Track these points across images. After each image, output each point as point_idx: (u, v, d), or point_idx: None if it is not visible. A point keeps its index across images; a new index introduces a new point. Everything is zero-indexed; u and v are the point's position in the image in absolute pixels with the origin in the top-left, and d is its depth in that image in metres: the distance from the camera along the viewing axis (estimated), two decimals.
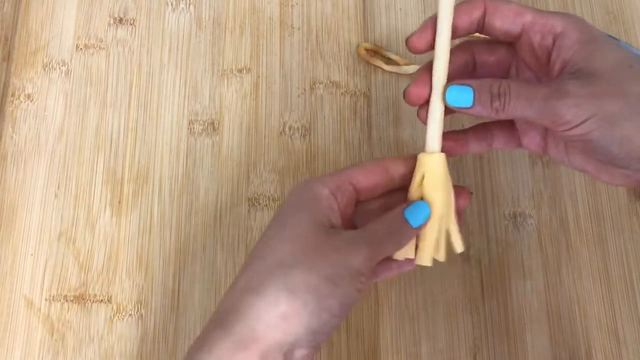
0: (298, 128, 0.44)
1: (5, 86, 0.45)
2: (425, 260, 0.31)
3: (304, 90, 0.45)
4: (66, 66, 0.45)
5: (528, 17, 0.29)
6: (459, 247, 0.32)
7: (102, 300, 0.40)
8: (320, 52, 0.45)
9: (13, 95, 0.45)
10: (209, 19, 0.47)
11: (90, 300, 0.40)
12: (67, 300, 0.40)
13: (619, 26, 0.46)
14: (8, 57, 0.46)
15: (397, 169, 0.32)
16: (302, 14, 0.47)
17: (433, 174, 0.31)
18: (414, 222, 0.30)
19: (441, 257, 0.32)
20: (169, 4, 0.47)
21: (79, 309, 0.40)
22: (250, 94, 0.45)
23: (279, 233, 0.30)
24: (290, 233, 0.29)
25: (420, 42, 0.30)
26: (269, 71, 0.45)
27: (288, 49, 0.46)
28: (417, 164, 0.31)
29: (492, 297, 0.40)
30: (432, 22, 0.30)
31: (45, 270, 0.41)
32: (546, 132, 0.32)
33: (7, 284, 0.41)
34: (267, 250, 0.29)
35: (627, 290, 0.40)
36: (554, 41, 0.29)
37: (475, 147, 0.34)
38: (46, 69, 0.45)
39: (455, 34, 0.30)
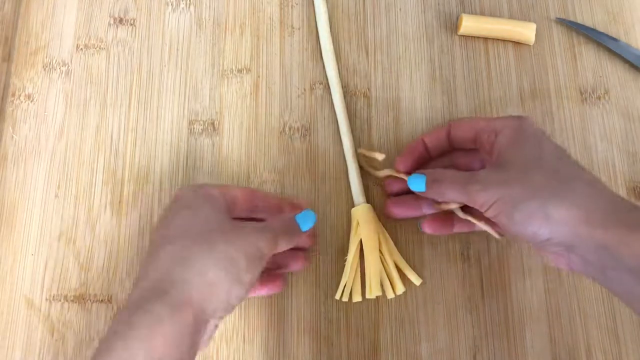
0: (298, 128, 0.44)
1: (6, 86, 0.45)
2: (369, 293, 0.38)
3: (304, 90, 0.45)
4: (66, 66, 0.45)
5: (480, 124, 0.36)
6: (397, 289, 0.39)
7: (102, 300, 0.40)
8: (320, 52, 0.45)
9: (13, 95, 0.45)
10: (209, 19, 0.47)
11: (90, 300, 0.40)
12: (67, 300, 0.40)
13: (618, 26, 0.46)
14: (8, 57, 0.46)
15: (263, 202, 0.38)
16: (302, 14, 0.47)
17: (363, 222, 0.39)
18: (303, 227, 0.36)
19: (388, 292, 0.38)
20: (169, 4, 0.47)
21: (79, 309, 0.40)
22: (250, 94, 0.45)
23: (194, 215, 0.33)
24: (205, 216, 0.33)
25: (405, 166, 0.39)
26: (269, 71, 0.45)
27: (288, 49, 0.46)
28: (352, 216, 0.40)
29: (492, 297, 0.40)
30: (410, 150, 0.39)
31: (45, 270, 0.41)
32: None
33: (8, 284, 0.41)
34: (187, 228, 0.32)
35: None
36: (495, 137, 0.35)
37: (459, 228, 0.39)
38: (46, 69, 0.45)
39: (431, 151, 0.39)
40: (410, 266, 0.40)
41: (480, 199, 0.33)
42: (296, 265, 0.39)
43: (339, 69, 0.45)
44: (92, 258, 0.41)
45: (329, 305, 0.40)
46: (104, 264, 0.41)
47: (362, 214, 0.40)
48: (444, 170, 0.36)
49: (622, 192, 0.42)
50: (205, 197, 0.35)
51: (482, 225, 0.36)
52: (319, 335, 0.39)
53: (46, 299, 0.40)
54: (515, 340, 0.39)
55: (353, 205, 0.41)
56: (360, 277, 0.39)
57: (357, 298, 0.39)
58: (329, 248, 0.41)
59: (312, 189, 0.42)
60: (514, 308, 0.40)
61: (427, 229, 0.39)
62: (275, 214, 0.38)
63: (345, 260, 0.39)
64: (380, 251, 0.39)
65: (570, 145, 0.43)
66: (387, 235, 0.40)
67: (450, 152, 0.40)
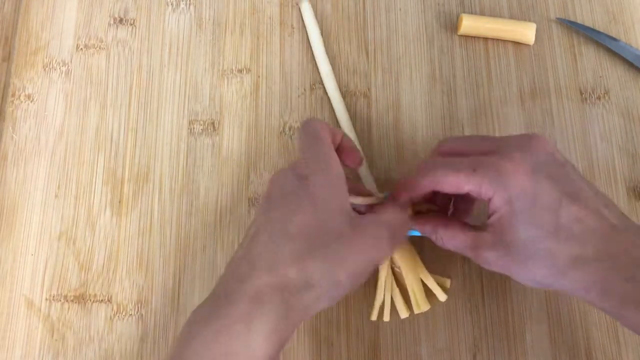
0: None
1: (6, 86, 0.45)
2: (417, 309, 0.38)
3: (304, 90, 0.45)
4: (66, 66, 0.45)
5: (466, 188, 0.33)
6: (441, 296, 0.38)
7: (102, 300, 0.40)
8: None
9: (13, 95, 0.45)
10: (209, 19, 0.47)
11: (90, 300, 0.40)
12: (67, 300, 0.40)
13: (618, 26, 0.46)
14: (8, 57, 0.46)
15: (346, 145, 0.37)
16: (302, 14, 0.47)
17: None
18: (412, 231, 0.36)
19: (427, 307, 0.38)
20: (169, 4, 0.47)
21: (79, 308, 0.40)
22: (250, 94, 0.45)
23: (314, 216, 0.32)
24: (324, 218, 0.32)
25: (404, 197, 0.36)
26: (269, 71, 0.45)
27: (288, 49, 0.46)
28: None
29: (492, 297, 0.40)
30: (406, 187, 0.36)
31: (45, 270, 0.41)
32: None
33: (7, 284, 0.41)
34: (305, 231, 0.31)
35: None
36: (488, 201, 0.33)
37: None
38: (46, 69, 0.45)
39: (414, 204, 0.37)
40: None
41: (479, 262, 0.34)
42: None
43: (339, 69, 0.45)
44: (92, 258, 0.41)
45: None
46: (104, 264, 0.41)
47: None
48: (446, 229, 0.35)
49: (622, 192, 0.42)
50: (332, 187, 0.33)
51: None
52: (319, 335, 0.39)
53: (46, 299, 0.40)
54: (515, 340, 0.39)
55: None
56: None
57: (403, 314, 0.38)
58: None
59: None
60: (514, 308, 0.40)
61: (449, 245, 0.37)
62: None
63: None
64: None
65: (570, 145, 0.43)
66: (416, 253, 0.39)
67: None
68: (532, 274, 0.32)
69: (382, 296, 0.39)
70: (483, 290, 0.40)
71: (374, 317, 0.39)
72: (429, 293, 0.39)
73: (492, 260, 0.33)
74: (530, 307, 0.40)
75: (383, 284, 0.39)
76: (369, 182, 0.41)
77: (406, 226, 0.36)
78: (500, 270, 0.33)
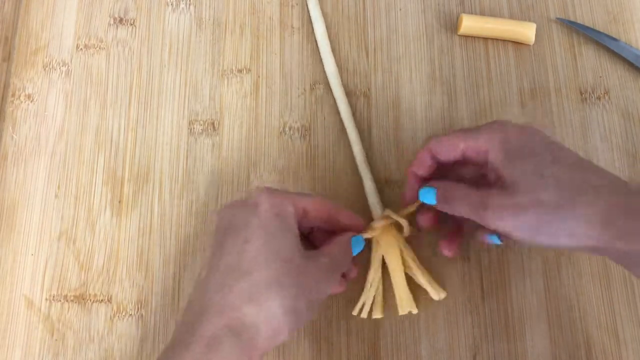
0: (298, 128, 0.44)
1: (6, 86, 0.45)
2: (401, 310, 0.38)
3: (304, 90, 0.45)
4: (66, 66, 0.45)
5: (461, 145, 0.34)
6: (434, 295, 0.39)
7: (102, 300, 0.40)
8: (320, 52, 0.45)
9: (13, 95, 0.45)
10: (209, 19, 0.47)
11: (90, 300, 0.40)
12: (67, 300, 0.40)
13: (618, 26, 0.46)
14: (8, 57, 0.46)
15: (335, 217, 0.37)
16: (302, 14, 0.47)
17: (384, 239, 0.39)
18: (354, 251, 0.36)
19: (408, 310, 0.38)
20: (169, 4, 0.47)
21: (79, 308, 0.40)
22: (250, 94, 0.45)
23: (268, 244, 0.32)
24: (279, 249, 0.32)
25: (411, 196, 0.37)
26: (269, 71, 0.45)
27: (288, 49, 0.46)
28: (370, 229, 0.38)
29: (492, 297, 0.40)
30: (410, 182, 0.38)
31: (45, 270, 0.41)
32: None
33: (8, 284, 0.41)
34: (261, 261, 0.32)
35: (627, 290, 0.40)
36: (486, 157, 0.34)
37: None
38: (46, 69, 0.45)
39: (429, 176, 0.37)
40: None
41: (498, 227, 0.32)
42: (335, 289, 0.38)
43: (339, 69, 0.45)
44: (92, 258, 0.41)
45: (328, 305, 0.40)
46: (104, 264, 0.41)
47: (382, 231, 0.39)
48: (455, 187, 0.35)
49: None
50: (282, 218, 0.33)
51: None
52: (319, 336, 0.39)
53: (46, 299, 0.40)
54: (515, 340, 0.39)
55: (355, 206, 0.41)
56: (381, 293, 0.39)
57: (378, 314, 0.39)
58: None
59: (312, 190, 0.42)
60: (514, 308, 0.40)
61: (447, 252, 0.38)
62: (330, 226, 0.37)
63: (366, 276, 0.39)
64: (404, 264, 0.39)
65: (570, 145, 0.43)
66: (409, 247, 0.39)
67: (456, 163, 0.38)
68: (541, 207, 0.31)
69: (367, 294, 0.39)
70: (483, 290, 0.40)
71: (355, 312, 0.39)
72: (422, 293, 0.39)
73: (504, 212, 0.32)
74: (530, 307, 0.40)
75: (370, 281, 0.39)
76: (372, 199, 0.41)
77: (349, 258, 0.36)
78: (510, 223, 0.32)
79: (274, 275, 0.31)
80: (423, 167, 0.37)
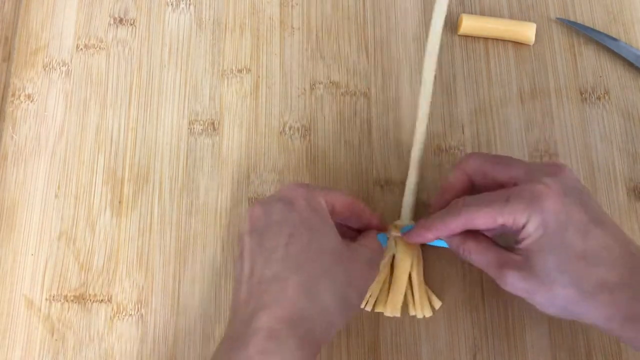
0: (298, 128, 0.44)
1: (6, 86, 0.45)
2: (390, 311, 0.39)
3: (304, 90, 0.45)
4: (66, 66, 0.45)
5: (499, 220, 0.32)
6: (418, 313, 0.39)
7: (102, 300, 0.40)
8: (320, 52, 0.46)
9: (13, 95, 0.45)
10: (209, 19, 0.47)
11: (90, 300, 0.40)
12: (67, 300, 0.40)
13: (618, 26, 0.46)
14: (8, 57, 0.46)
15: (360, 216, 0.37)
16: (302, 14, 0.47)
17: (402, 243, 0.39)
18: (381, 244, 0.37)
19: (393, 314, 0.38)
20: (169, 4, 0.47)
21: (79, 308, 0.40)
22: (250, 94, 0.45)
23: (314, 239, 0.32)
24: (324, 240, 0.33)
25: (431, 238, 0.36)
26: (269, 71, 0.45)
27: (288, 49, 0.46)
28: (390, 230, 0.39)
29: (492, 297, 0.40)
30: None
31: (45, 270, 0.41)
32: None
33: (7, 284, 0.41)
34: (310, 256, 0.32)
35: None
36: (522, 227, 0.32)
37: None
38: (46, 69, 0.45)
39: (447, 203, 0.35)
40: None
41: (504, 284, 0.33)
42: None
43: (339, 69, 0.45)
44: (92, 258, 0.41)
45: None
46: (104, 264, 0.41)
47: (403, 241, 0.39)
48: (473, 242, 0.35)
49: (622, 192, 0.42)
50: (319, 212, 0.34)
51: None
52: None
53: (46, 299, 0.40)
54: (515, 341, 0.39)
55: None
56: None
57: (381, 309, 0.39)
58: None
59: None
60: (514, 308, 0.40)
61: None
62: (353, 222, 0.38)
63: None
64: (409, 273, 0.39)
65: (570, 145, 0.43)
66: (422, 260, 0.39)
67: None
68: (556, 298, 0.31)
69: (374, 287, 0.39)
70: (483, 290, 0.40)
71: (368, 307, 0.39)
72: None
73: (516, 281, 0.32)
74: (530, 307, 0.40)
75: (383, 278, 0.39)
76: (408, 201, 0.40)
77: (382, 252, 0.37)
78: (521, 293, 0.32)
79: (325, 266, 0.32)
80: (452, 234, 0.35)
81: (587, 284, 0.31)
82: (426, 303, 0.39)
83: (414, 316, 0.39)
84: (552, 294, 0.31)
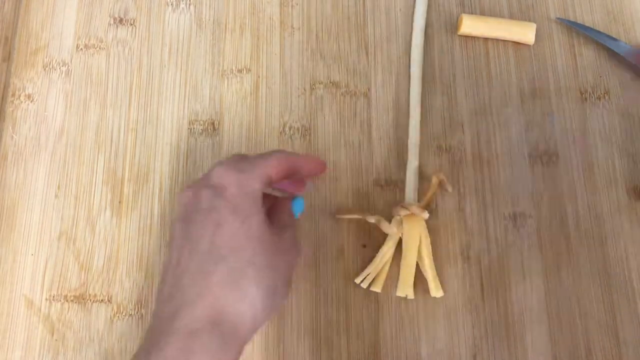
0: (298, 128, 0.44)
1: (6, 86, 0.45)
2: (400, 291, 0.39)
3: (304, 90, 0.45)
4: (66, 66, 0.45)
5: None
6: (433, 291, 0.39)
7: (102, 300, 0.40)
8: (320, 52, 0.46)
9: (13, 95, 0.45)
10: (209, 19, 0.47)
11: (90, 300, 0.40)
12: (67, 300, 0.40)
13: (618, 26, 0.46)
14: (8, 57, 0.46)
15: (296, 167, 0.36)
16: (302, 14, 0.47)
17: (409, 222, 0.39)
18: (295, 213, 0.37)
19: (406, 293, 0.39)
20: (169, 4, 0.47)
21: (79, 308, 0.40)
22: (250, 94, 0.45)
23: (241, 227, 0.31)
24: (251, 227, 0.31)
25: None
26: (269, 71, 0.45)
27: (288, 49, 0.46)
28: (397, 211, 0.40)
29: (492, 297, 0.40)
30: None
31: (45, 270, 0.41)
32: None
33: (7, 284, 0.41)
34: (236, 244, 0.31)
35: (627, 290, 0.40)
36: None
37: None
38: (46, 69, 0.45)
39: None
40: None
41: None
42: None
43: (339, 69, 0.45)
44: (92, 258, 0.41)
45: (328, 305, 0.40)
46: (104, 264, 0.41)
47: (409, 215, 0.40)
48: None
49: (622, 192, 0.42)
50: (250, 198, 0.32)
51: None
52: (319, 336, 0.39)
53: (46, 299, 0.40)
54: (515, 341, 0.39)
55: (356, 205, 0.41)
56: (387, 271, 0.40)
57: (376, 288, 0.39)
58: (329, 248, 0.41)
59: (312, 189, 0.42)
60: (514, 308, 0.40)
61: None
62: (293, 176, 0.36)
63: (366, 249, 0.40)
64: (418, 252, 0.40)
65: (570, 145, 0.43)
66: (429, 238, 0.40)
67: None
68: None
69: (374, 266, 0.39)
70: (483, 290, 0.40)
71: (357, 280, 0.40)
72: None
73: None
74: (530, 307, 0.40)
75: (381, 255, 0.39)
76: (411, 183, 0.42)
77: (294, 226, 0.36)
78: None
79: (250, 257, 0.30)
80: None
81: None
82: (438, 282, 0.39)
83: (414, 316, 0.39)
84: None
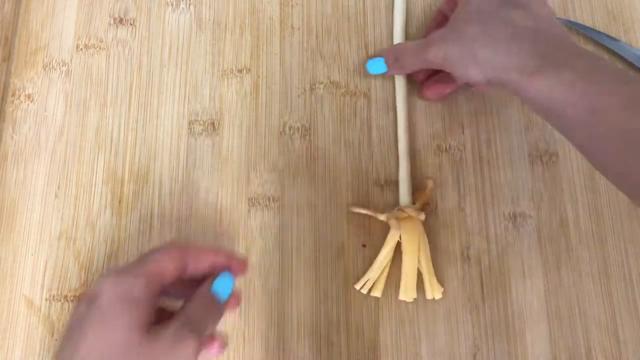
0: (298, 128, 0.44)
1: (6, 86, 0.45)
2: (404, 295, 0.39)
3: (304, 90, 0.45)
4: (66, 66, 0.45)
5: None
6: (428, 293, 0.39)
7: None
8: (320, 52, 0.46)
9: (13, 95, 0.45)
10: (209, 19, 0.47)
11: None
12: (67, 300, 0.40)
13: (618, 26, 0.46)
14: (8, 57, 0.46)
15: (194, 262, 0.33)
16: (302, 14, 0.47)
17: (408, 224, 0.39)
18: (222, 296, 0.32)
19: (409, 297, 0.39)
20: (169, 4, 0.47)
21: None
22: (250, 94, 0.45)
23: (104, 343, 0.29)
24: (116, 343, 0.29)
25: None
26: (269, 71, 0.45)
27: (288, 49, 0.46)
28: (393, 214, 0.40)
29: (492, 297, 0.40)
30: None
31: (45, 270, 0.41)
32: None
33: (8, 284, 0.41)
34: (100, 354, 0.29)
35: (627, 290, 0.40)
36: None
37: (443, 89, 0.43)
38: (46, 69, 0.45)
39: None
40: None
41: (430, 59, 0.38)
42: (213, 350, 0.34)
43: (339, 69, 0.45)
44: (92, 258, 0.41)
45: (329, 305, 0.40)
46: (104, 264, 0.41)
47: (409, 222, 0.40)
48: (402, 44, 0.43)
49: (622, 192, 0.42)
50: (128, 302, 0.30)
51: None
52: (319, 336, 0.39)
53: (46, 299, 0.40)
54: (515, 341, 0.39)
55: (354, 205, 0.41)
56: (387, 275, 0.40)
57: (376, 293, 0.39)
58: (328, 248, 0.41)
59: (312, 189, 0.42)
60: (514, 308, 0.40)
61: (429, 93, 0.43)
62: (195, 274, 0.33)
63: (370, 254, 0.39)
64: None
65: (570, 145, 0.43)
66: (427, 240, 0.40)
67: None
68: (474, 53, 0.36)
69: (374, 272, 0.39)
70: (483, 290, 0.40)
71: (357, 286, 0.40)
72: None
73: (439, 50, 0.37)
74: (530, 307, 0.40)
75: (381, 260, 0.39)
76: (404, 186, 0.42)
77: (213, 311, 0.32)
78: (442, 61, 0.38)
79: None
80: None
81: (492, 26, 0.36)
82: (437, 284, 0.39)
83: (414, 316, 0.39)
84: (470, 49, 0.36)
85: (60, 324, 0.40)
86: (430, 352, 0.39)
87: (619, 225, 0.41)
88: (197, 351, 0.31)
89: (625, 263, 0.41)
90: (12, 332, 0.40)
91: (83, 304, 0.31)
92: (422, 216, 0.40)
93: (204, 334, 0.31)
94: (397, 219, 0.40)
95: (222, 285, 0.33)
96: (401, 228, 0.39)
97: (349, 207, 0.41)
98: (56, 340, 0.39)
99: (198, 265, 0.33)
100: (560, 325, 0.39)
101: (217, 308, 0.33)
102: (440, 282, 0.40)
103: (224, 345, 0.34)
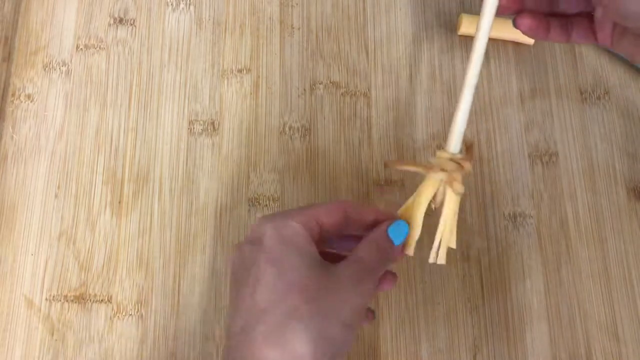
0: (298, 128, 0.44)
1: (6, 86, 0.45)
2: (443, 259, 0.33)
3: (304, 90, 0.45)
4: (66, 66, 0.45)
5: None
6: (440, 258, 0.34)
7: (102, 300, 0.40)
8: (320, 52, 0.46)
9: (13, 95, 0.45)
10: (209, 19, 0.47)
11: (90, 300, 0.40)
12: (67, 300, 0.40)
13: None
14: (8, 57, 0.46)
15: (357, 215, 0.33)
16: (302, 14, 0.47)
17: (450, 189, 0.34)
18: (396, 241, 0.32)
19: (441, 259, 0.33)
20: (169, 4, 0.47)
21: (79, 308, 0.40)
22: (250, 94, 0.45)
23: (281, 277, 0.29)
24: (292, 277, 0.29)
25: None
26: (269, 71, 0.45)
27: (288, 49, 0.46)
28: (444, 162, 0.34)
29: (492, 297, 0.40)
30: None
31: (45, 270, 0.41)
32: (615, 28, 0.34)
33: (7, 284, 0.41)
34: (276, 297, 0.29)
35: (627, 290, 0.40)
36: None
37: (555, 35, 0.35)
38: (46, 69, 0.45)
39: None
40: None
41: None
42: (385, 286, 0.34)
43: (339, 69, 0.45)
44: (92, 258, 0.41)
45: None
46: (104, 264, 0.41)
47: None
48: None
49: (622, 192, 0.42)
50: (291, 243, 0.30)
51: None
52: None
53: (46, 299, 0.40)
54: (515, 341, 0.39)
55: (395, 161, 0.41)
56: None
57: (408, 251, 0.34)
58: None
59: (312, 189, 0.42)
60: (514, 308, 0.40)
61: (522, 26, 0.35)
62: (367, 227, 0.33)
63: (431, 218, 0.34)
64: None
65: (570, 145, 0.43)
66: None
67: None
68: None
69: (418, 231, 0.34)
70: (483, 290, 0.40)
71: (431, 259, 0.34)
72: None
73: None
74: (530, 307, 0.40)
75: (419, 220, 0.34)
76: (460, 127, 0.35)
77: (385, 255, 0.32)
78: None
79: (292, 308, 0.28)
80: None
81: None
82: (443, 251, 0.34)
83: (414, 316, 0.39)
84: None
85: (61, 324, 0.40)
86: (430, 352, 0.39)
87: (618, 225, 0.41)
88: (374, 292, 0.31)
89: (625, 263, 0.41)
90: (12, 332, 0.40)
91: (246, 246, 0.31)
92: (469, 166, 0.34)
93: (378, 276, 0.31)
94: (442, 170, 0.34)
95: (397, 230, 0.32)
96: (446, 185, 0.34)
97: (390, 164, 0.37)
98: (56, 340, 0.39)
99: (361, 219, 0.33)
100: (560, 325, 0.40)
101: (391, 251, 0.32)
102: (441, 282, 0.40)
103: (395, 278, 0.34)
